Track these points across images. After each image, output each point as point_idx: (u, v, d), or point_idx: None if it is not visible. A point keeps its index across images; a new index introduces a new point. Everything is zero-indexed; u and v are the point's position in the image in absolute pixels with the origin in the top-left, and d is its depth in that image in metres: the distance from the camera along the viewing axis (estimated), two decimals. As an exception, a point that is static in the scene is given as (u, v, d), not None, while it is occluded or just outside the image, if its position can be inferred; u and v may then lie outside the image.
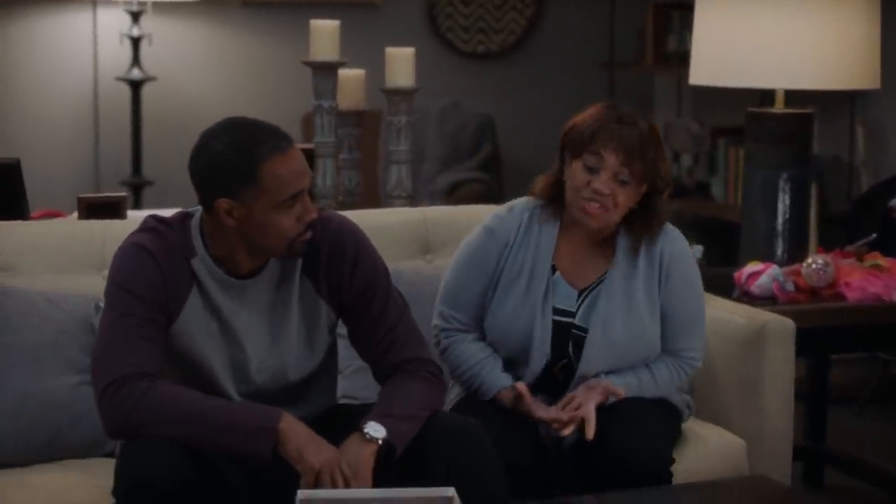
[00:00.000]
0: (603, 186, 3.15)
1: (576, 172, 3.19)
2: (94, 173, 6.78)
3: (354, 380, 3.38)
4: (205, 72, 6.90)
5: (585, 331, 3.23)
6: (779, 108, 4.23)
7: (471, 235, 3.34)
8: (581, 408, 3.13)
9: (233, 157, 2.83)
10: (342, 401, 3.29)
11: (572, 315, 3.25)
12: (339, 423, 2.96)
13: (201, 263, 2.93)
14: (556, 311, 3.25)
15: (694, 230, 6.87)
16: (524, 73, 7.35)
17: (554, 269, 3.27)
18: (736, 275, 4.04)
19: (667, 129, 7.18)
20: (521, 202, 3.33)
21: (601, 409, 3.16)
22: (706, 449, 3.39)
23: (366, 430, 2.84)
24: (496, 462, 2.93)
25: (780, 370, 3.50)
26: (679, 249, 3.31)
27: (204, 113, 6.67)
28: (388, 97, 4.48)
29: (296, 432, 2.81)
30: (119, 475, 2.76)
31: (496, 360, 3.27)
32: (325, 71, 4.44)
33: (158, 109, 6.72)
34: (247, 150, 2.83)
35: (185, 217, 2.98)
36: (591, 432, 3.09)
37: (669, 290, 3.27)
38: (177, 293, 2.91)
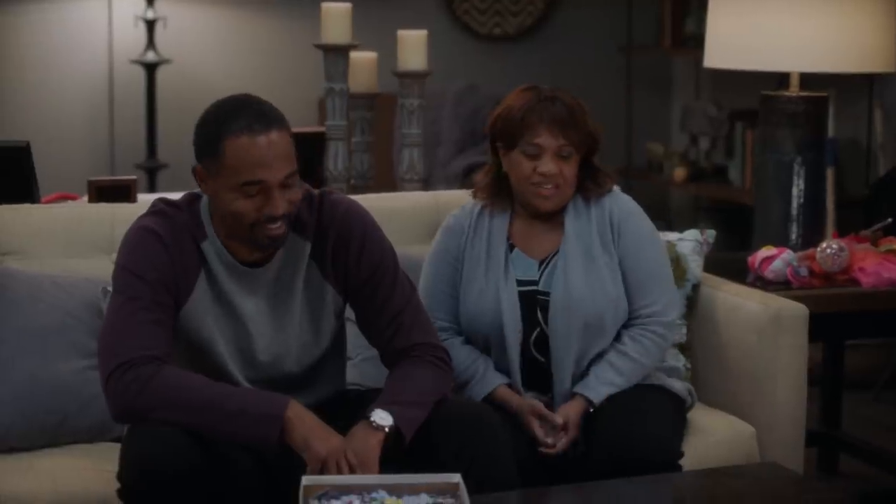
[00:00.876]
0: (549, 167, 3.22)
1: (518, 162, 3.26)
2: (109, 156, 6.77)
3: (364, 368, 3.36)
4: (220, 54, 6.87)
5: (549, 294, 3.24)
6: (793, 91, 4.19)
7: (434, 240, 3.42)
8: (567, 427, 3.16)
9: (208, 126, 2.84)
10: (350, 388, 3.27)
11: (535, 283, 3.27)
12: (346, 409, 2.95)
13: (211, 247, 2.91)
14: (520, 283, 3.28)
15: (711, 214, 6.84)
16: (541, 56, 7.31)
17: (512, 247, 3.32)
18: (750, 259, 4.01)
19: (685, 112, 7.15)
20: (471, 200, 3.41)
21: (600, 409, 3.17)
22: (715, 437, 3.36)
23: (372, 419, 2.83)
24: (507, 447, 2.92)
25: (792, 357, 3.46)
26: (627, 208, 3.33)
27: (219, 96, 6.63)
28: (401, 80, 4.46)
29: (302, 420, 2.79)
30: (124, 459, 2.76)
31: (488, 361, 3.28)
32: (337, 54, 4.41)
33: (173, 92, 6.70)
34: (219, 122, 2.82)
35: (193, 199, 2.97)
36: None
37: (624, 248, 3.28)
38: (186, 277, 2.89)
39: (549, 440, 3.13)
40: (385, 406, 2.85)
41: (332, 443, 2.78)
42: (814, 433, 4.41)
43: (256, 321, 2.96)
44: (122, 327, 2.82)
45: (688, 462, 3.18)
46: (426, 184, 6.43)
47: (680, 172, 6.94)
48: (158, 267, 2.86)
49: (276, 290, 2.97)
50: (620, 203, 3.32)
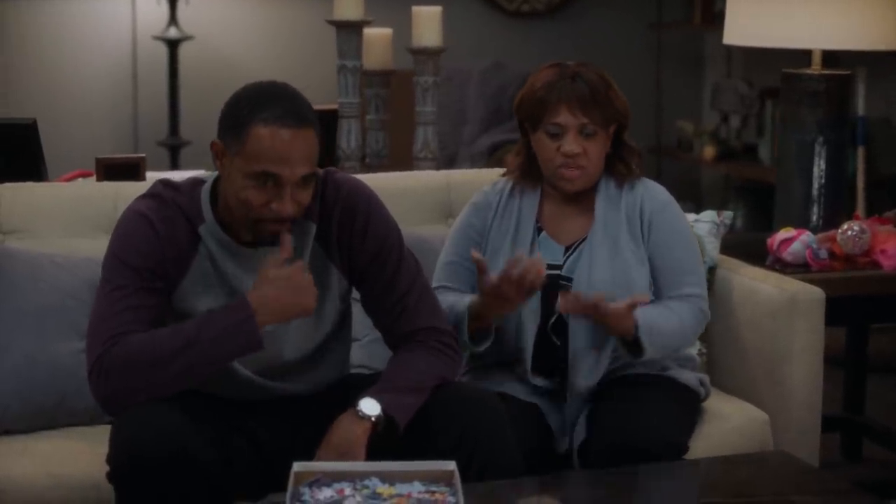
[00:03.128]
0: (572, 147, 3.15)
1: (542, 143, 3.20)
2: (132, 134, 6.75)
3: (371, 349, 3.31)
4: (242, 30, 6.83)
5: (572, 280, 3.17)
6: (815, 69, 4.09)
7: (460, 214, 3.35)
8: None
9: (240, 105, 2.78)
10: (357, 370, 3.22)
11: (559, 268, 3.20)
12: (349, 395, 2.88)
13: (208, 231, 2.86)
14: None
15: (741, 194, 6.75)
16: (570, 33, 7.23)
17: (540, 230, 3.25)
18: (769, 241, 3.93)
19: (715, 89, 7.06)
20: (503, 179, 3.34)
21: (604, 399, 3.11)
22: (729, 424, 3.29)
23: (359, 408, 2.79)
24: (510, 432, 2.86)
25: (808, 341, 3.38)
26: (661, 200, 3.25)
27: (241, 72, 6.60)
28: (415, 57, 4.40)
29: (266, 301, 2.75)
30: (113, 443, 2.71)
31: (459, 295, 3.19)
32: (350, 30, 4.36)
33: (195, 69, 6.66)
34: (252, 105, 2.76)
35: (196, 184, 2.92)
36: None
37: (656, 242, 3.21)
38: (178, 260, 2.85)
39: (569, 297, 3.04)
40: (376, 394, 2.81)
41: (302, 287, 2.77)
42: (837, 418, 4.34)
43: (256, 302, 2.90)
44: (105, 318, 2.78)
45: (699, 450, 3.13)
46: (451, 162, 6.41)
47: (709, 151, 6.85)
48: (146, 253, 2.82)
49: (280, 271, 2.92)
50: (652, 192, 3.24)
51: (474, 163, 6.30)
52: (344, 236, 2.93)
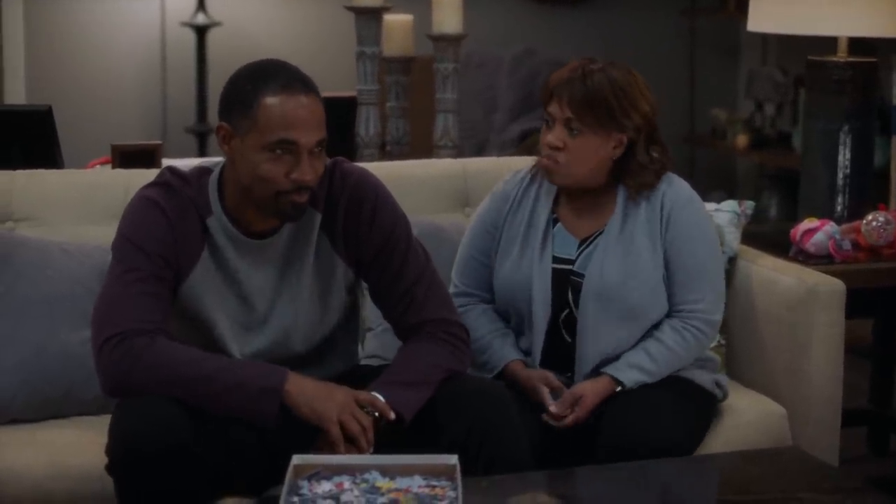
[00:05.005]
0: (553, 139, 3.10)
1: (542, 132, 3.17)
2: (160, 120, 6.74)
3: (384, 339, 3.27)
4: (270, 17, 6.82)
5: (584, 276, 3.12)
6: (841, 56, 4.01)
7: (480, 204, 3.32)
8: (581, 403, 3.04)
9: (242, 82, 2.76)
10: (367, 361, 3.20)
11: (572, 262, 3.15)
12: (357, 387, 2.83)
13: (217, 223, 2.84)
14: (556, 260, 3.16)
15: (774, 182, 6.67)
16: (601, 19, 7.17)
17: (556, 221, 3.20)
18: (792, 231, 3.86)
19: (750, 77, 6.98)
20: (526, 167, 3.29)
21: (615, 397, 3.06)
22: (744, 419, 3.24)
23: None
24: (519, 426, 2.82)
25: (828, 333, 3.32)
26: (683, 197, 3.17)
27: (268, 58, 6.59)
28: (435, 44, 4.36)
29: (303, 391, 2.71)
30: (112, 435, 2.68)
31: (508, 335, 3.18)
32: (368, 16, 4.32)
33: (223, 56, 6.64)
34: (256, 79, 2.75)
35: (202, 173, 2.89)
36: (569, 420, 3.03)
37: (672, 239, 3.14)
38: (187, 251, 2.82)
39: (555, 409, 3.03)
40: (382, 387, 2.77)
41: (338, 398, 2.71)
42: (863, 412, 4.27)
43: (263, 296, 2.88)
44: (118, 297, 2.76)
45: (715, 445, 3.10)
46: (481, 149, 6.37)
47: (743, 139, 6.77)
48: (159, 239, 2.79)
49: (286, 262, 2.89)
50: (676, 189, 3.17)
51: (504, 150, 6.26)
52: (350, 226, 2.89)
